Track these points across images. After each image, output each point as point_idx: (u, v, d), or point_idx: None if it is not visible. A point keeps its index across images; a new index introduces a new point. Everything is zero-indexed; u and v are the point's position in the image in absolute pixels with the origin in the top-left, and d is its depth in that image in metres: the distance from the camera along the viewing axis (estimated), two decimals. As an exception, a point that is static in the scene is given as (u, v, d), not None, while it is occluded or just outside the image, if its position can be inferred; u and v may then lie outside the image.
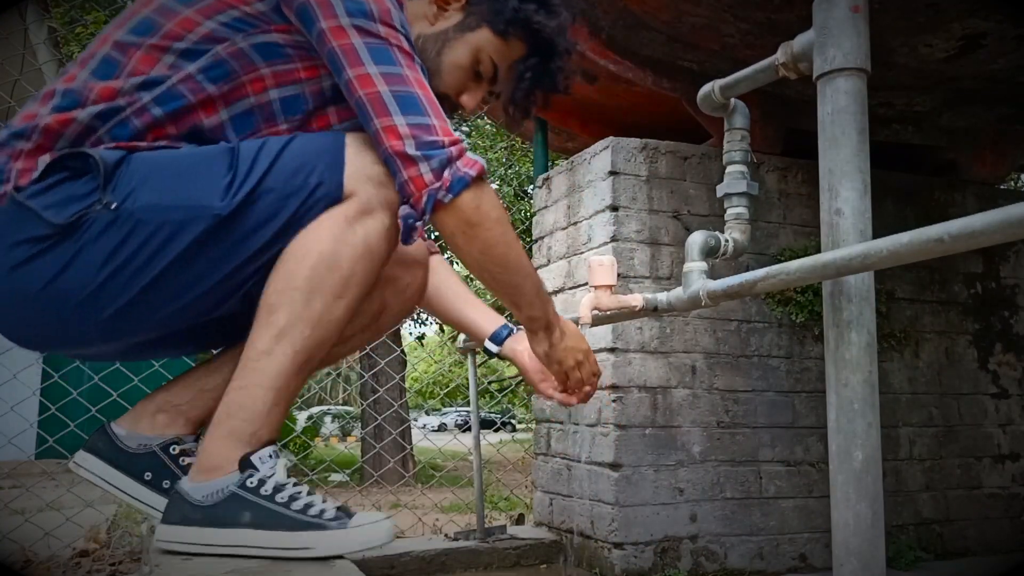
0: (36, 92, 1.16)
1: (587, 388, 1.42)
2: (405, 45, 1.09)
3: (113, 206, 1.04)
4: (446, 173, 1.06)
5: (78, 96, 1.10)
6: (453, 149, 1.07)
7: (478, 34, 1.24)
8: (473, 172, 1.08)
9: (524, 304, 1.26)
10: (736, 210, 1.47)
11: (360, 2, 1.07)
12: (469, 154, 1.10)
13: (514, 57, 1.27)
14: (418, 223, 1.10)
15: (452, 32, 1.25)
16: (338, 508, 1.11)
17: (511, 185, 7.79)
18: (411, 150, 1.05)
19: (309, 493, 1.12)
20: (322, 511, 1.10)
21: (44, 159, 1.07)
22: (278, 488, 1.09)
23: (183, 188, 1.05)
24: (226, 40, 1.10)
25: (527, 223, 5.57)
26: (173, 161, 1.08)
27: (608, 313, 1.49)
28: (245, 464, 1.10)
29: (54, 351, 1.27)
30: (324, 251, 1.07)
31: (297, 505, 1.09)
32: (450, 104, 1.27)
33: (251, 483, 1.09)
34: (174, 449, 1.27)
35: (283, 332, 1.08)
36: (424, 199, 1.07)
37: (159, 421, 1.28)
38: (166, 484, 1.22)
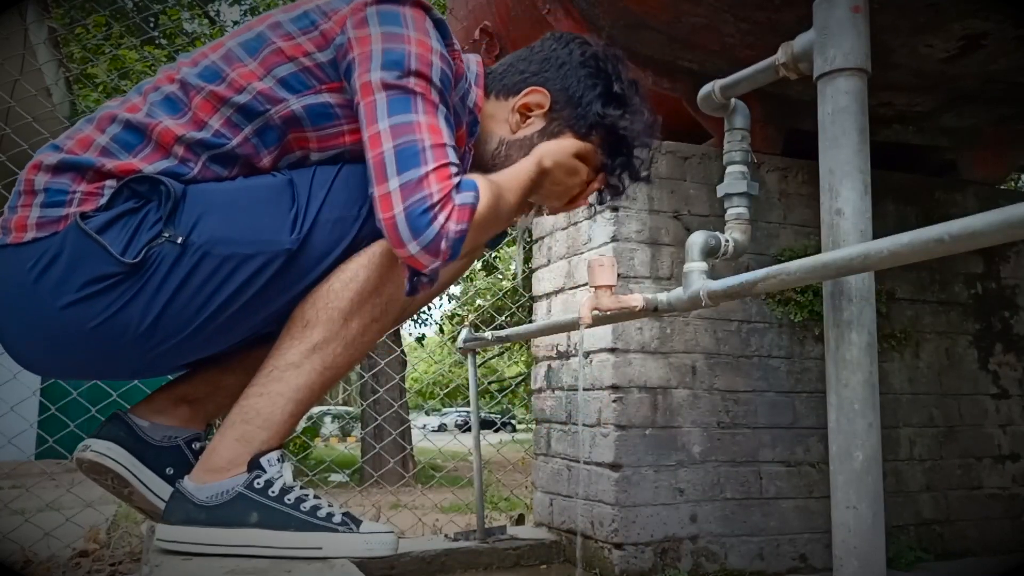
0: (91, 115, 1.14)
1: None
2: (433, 96, 1.06)
3: (180, 240, 1.03)
4: (443, 246, 1.01)
5: (141, 130, 1.08)
6: (441, 216, 1.00)
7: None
8: (465, 226, 1.02)
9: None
10: (736, 210, 1.47)
11: (399, 52, 1.05)
12: (461, 191, 1.03)
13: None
14: (425, 280, 1.08)
15: (536, 139, 1.23)
16: (343, 514, 1.12)
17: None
18: (402, 228, 1.00)
19: (315, 496, 1.12)
20: (330, 514, 1.10)
21: (111, 184, 1.06)
22: (285, 490, 1.10)
23: (250, 222, 1.06)
24: (281, 101, 1.09)
25: (527, 223, 5.56)
26: (233, 193, 1.08)
27: (608, 313, 1.48)
28: (252, 465, 1.10)
29: (77, 378, 1.25)
30: (371, 277, 1.10)
31: (305, 506, 1.09)
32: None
33: (258, 484, 1.09)
34: (196, 445, 1.25)
35: (317, 348, 1.10)
36: (429, 271, 1.05)
37: (181, 414, 1.26)
38: None
